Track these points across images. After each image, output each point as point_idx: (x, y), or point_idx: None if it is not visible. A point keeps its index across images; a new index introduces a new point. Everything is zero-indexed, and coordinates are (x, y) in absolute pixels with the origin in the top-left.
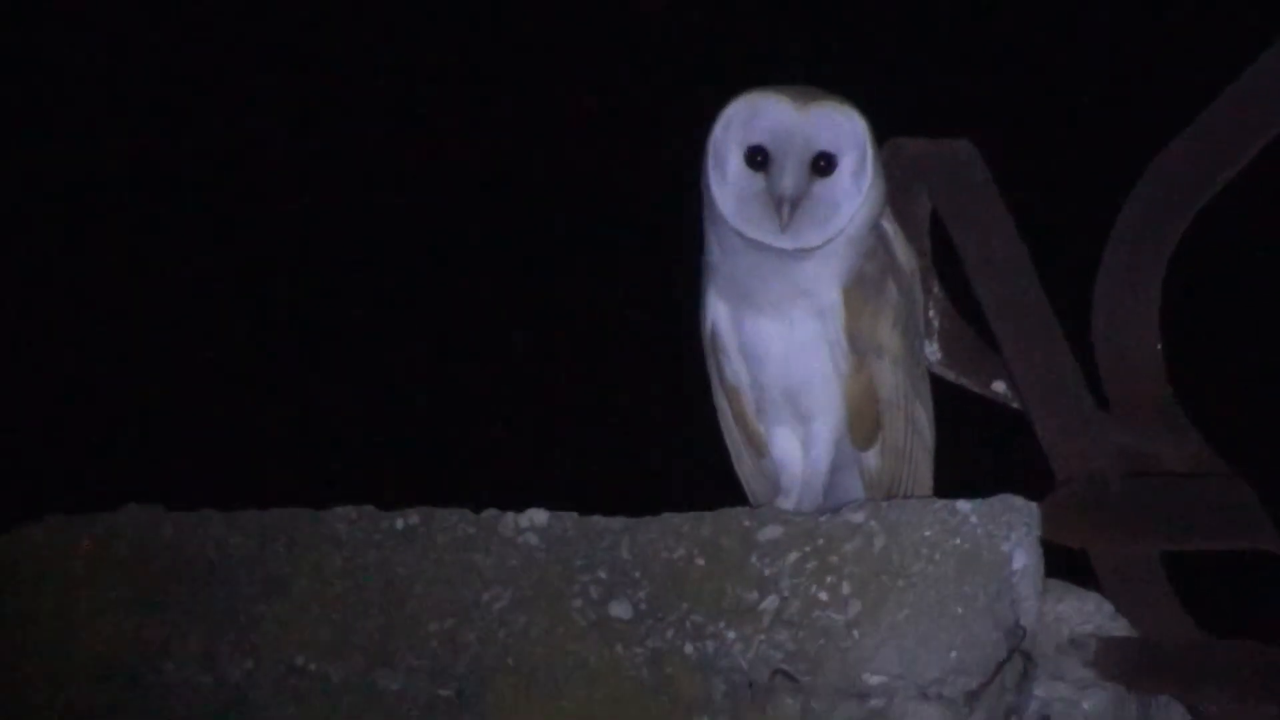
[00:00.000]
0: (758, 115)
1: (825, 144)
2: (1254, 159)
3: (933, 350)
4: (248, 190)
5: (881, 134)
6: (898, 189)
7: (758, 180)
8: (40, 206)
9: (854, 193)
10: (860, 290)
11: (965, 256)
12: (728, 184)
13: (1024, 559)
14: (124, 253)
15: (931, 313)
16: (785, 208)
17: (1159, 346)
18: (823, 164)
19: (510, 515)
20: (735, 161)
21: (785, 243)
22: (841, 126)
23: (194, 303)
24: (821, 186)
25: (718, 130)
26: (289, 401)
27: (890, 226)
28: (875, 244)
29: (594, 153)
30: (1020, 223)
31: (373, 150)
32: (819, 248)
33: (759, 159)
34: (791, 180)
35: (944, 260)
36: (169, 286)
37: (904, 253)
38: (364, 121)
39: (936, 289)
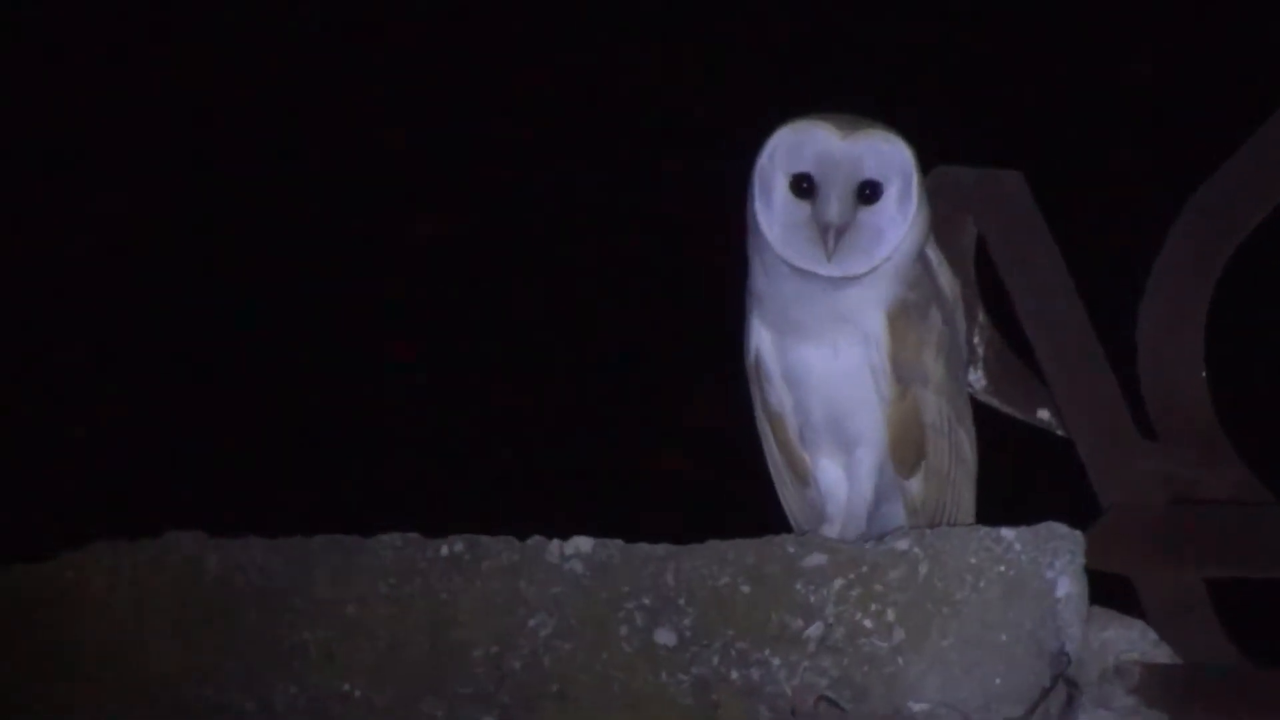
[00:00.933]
0: (803, 143)
1: (871, 172)
2: None
3: (978, 378)
4: (293, 224)
5: (928, 163)
6: (944, 218)
7: (803, 208)
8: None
9: (899, 221)
10: (904, 317)
11: (1011, 286)
12: (773, 212)
13: (1068, 586)
14: (160, 271)
15: (976, 341)
16: (831, 236)
17: (1204, 375)
18: (868, 192)
19: (555, 542)
20: (781, 189)
21: (831, 270)
22: (887, 155)
23: (238, 328)
24: (867, 214)
25: (763, 159)
26: (334, 427)
27: (934, 254)
28: (920, 272)
29: (641, 176)
30: (1066, 253)
31: (424, 183)
32: (864, 275)
33: (804, 186)
34: (837, 209)
35: (989, 289)
36: (215, 310)
37: (948, 280)
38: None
39: (982, 317)
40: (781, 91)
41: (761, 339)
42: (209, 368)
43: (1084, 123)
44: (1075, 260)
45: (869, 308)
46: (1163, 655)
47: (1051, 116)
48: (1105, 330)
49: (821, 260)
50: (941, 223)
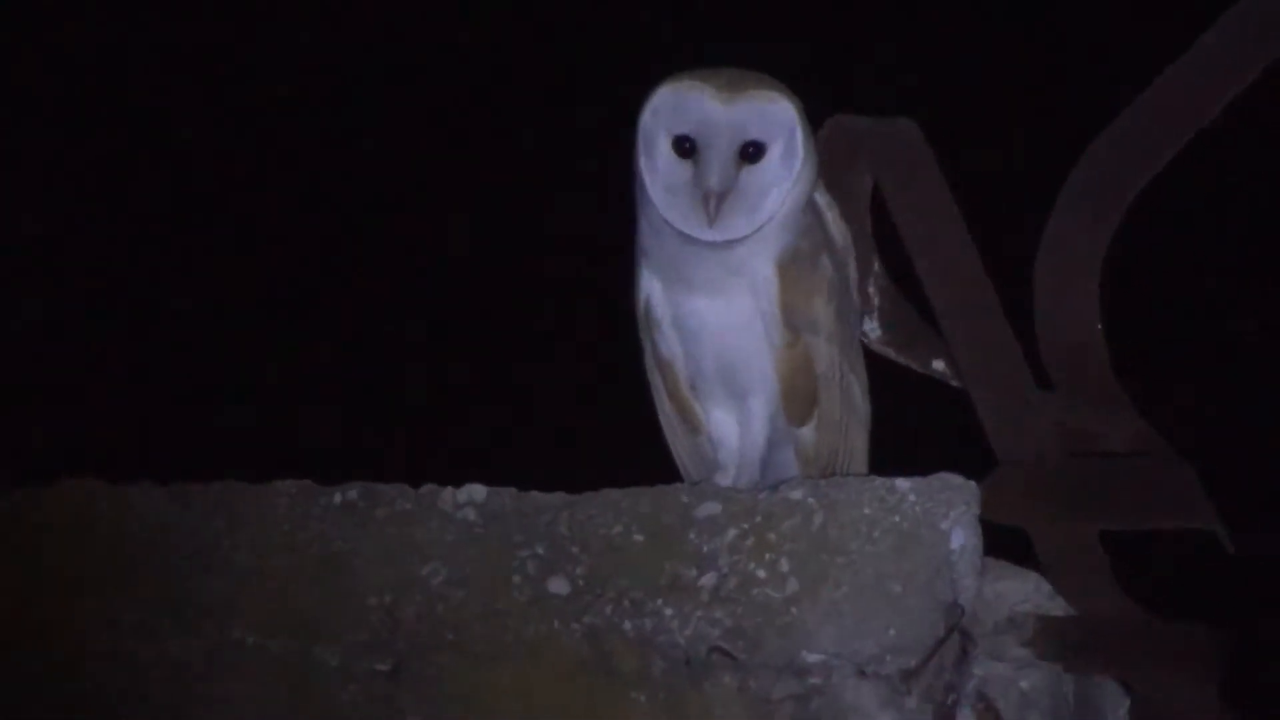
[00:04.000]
0: (685, 105)
1: (754, 133)
2: (1195, 139)
3: (873, 328)
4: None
5: (825, 109)
6: (840, 167)
7: (685, 169)
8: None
9: (783, 176)
10: (794, 266)
11: (906, 235)
12: (657, 171)
13: (963, 538)
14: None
15: (872, 290)
16: (712, 202)
17: (1100, 326)
18: (751, 150)
19: (449, 490)
20: (664, 149)
21: (713, 236)
22: (770, 114)
23: (139, 272)
24: (750, 174)
25: (646, 116)
26: (229, 376)
27: (824, 200)
28: (810, 220)
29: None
30: (962, 203)
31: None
32: (748, 237)
33: (686, 147)
34: (718, 175)
35: (885, 238)
36: (117, 255)
37: (838, 228)
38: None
39: (877, 267)
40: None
41: (651, 288)
42: (109, 319)
43: (980, 70)
44: (971, 209)
45: (758, 259)
46: (1057, 607)
47: (948, 63)
48: (1001, 280)
49: (703, 226)
50: (836, 171)
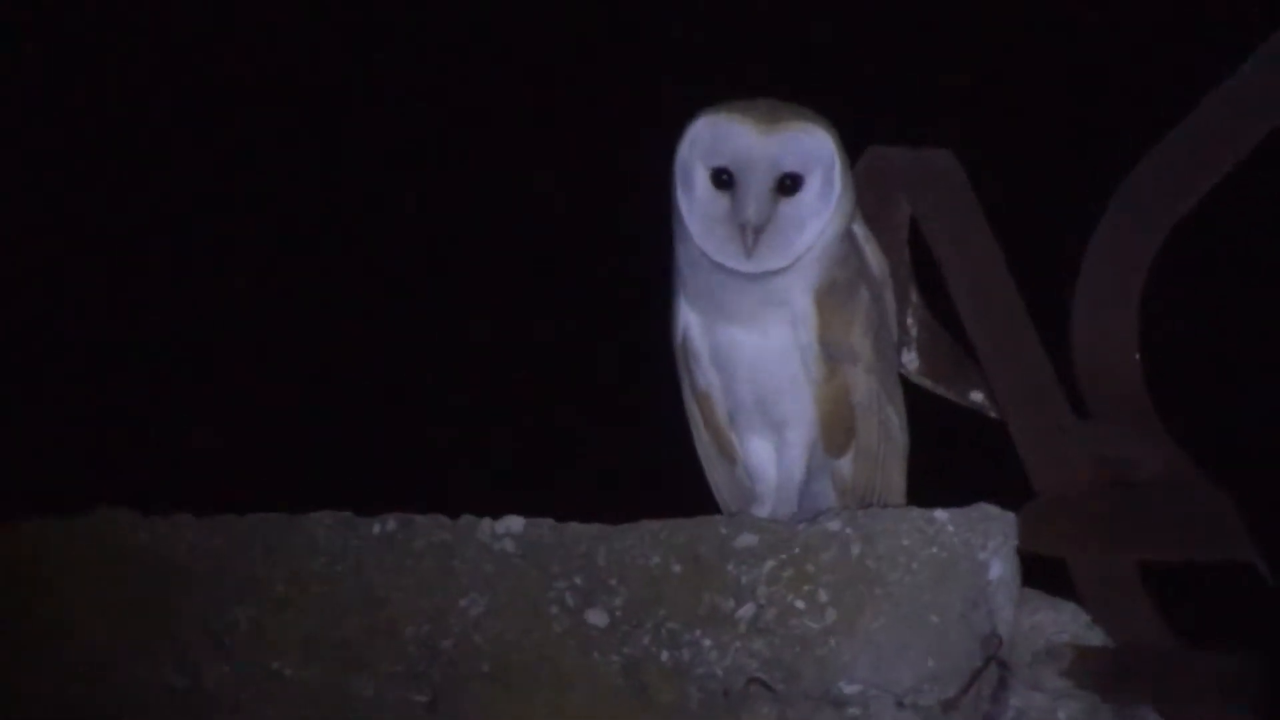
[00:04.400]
0: (722, 138)
1: (791, 166)
2: (1234, 170)
3: (911, 359)
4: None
5: (863, 138)
6: (877, 198)
7: (723, 201)
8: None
9: (820, 209)
10: (832, 297)
11: (944, 265)
12: (695, 202)
13: (1000, 568)
14: (85, 253)
15: (910, 321)
16: (749, 235)
17: (1137, 356)
18: (789, 183)
19: (487, 521)
20: (701, 180)
21: (750, 268)
22: (807, 146)
23: (171, 301)
24: (788, 205)
25: (683, 148)
26: (268, 405)
27: (861, 230)
28: (847, 250)
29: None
30: (999, 232)
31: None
32: (786, 268)
33: (724, 179)
34: (754, 208)
35: (923, 269)
36: (145, 290)
37: (876, 258)
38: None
39: (915, 298)
40: (718, 70)
41: (689, 320)
42: (144, 346)
43: (1020, 101)
44: (1009, 240)
45: (796, 290)
46: (1095, 637)
47: (987, 95)
48: (1039, 310)
49: (740, 258)
50: (875, 203)
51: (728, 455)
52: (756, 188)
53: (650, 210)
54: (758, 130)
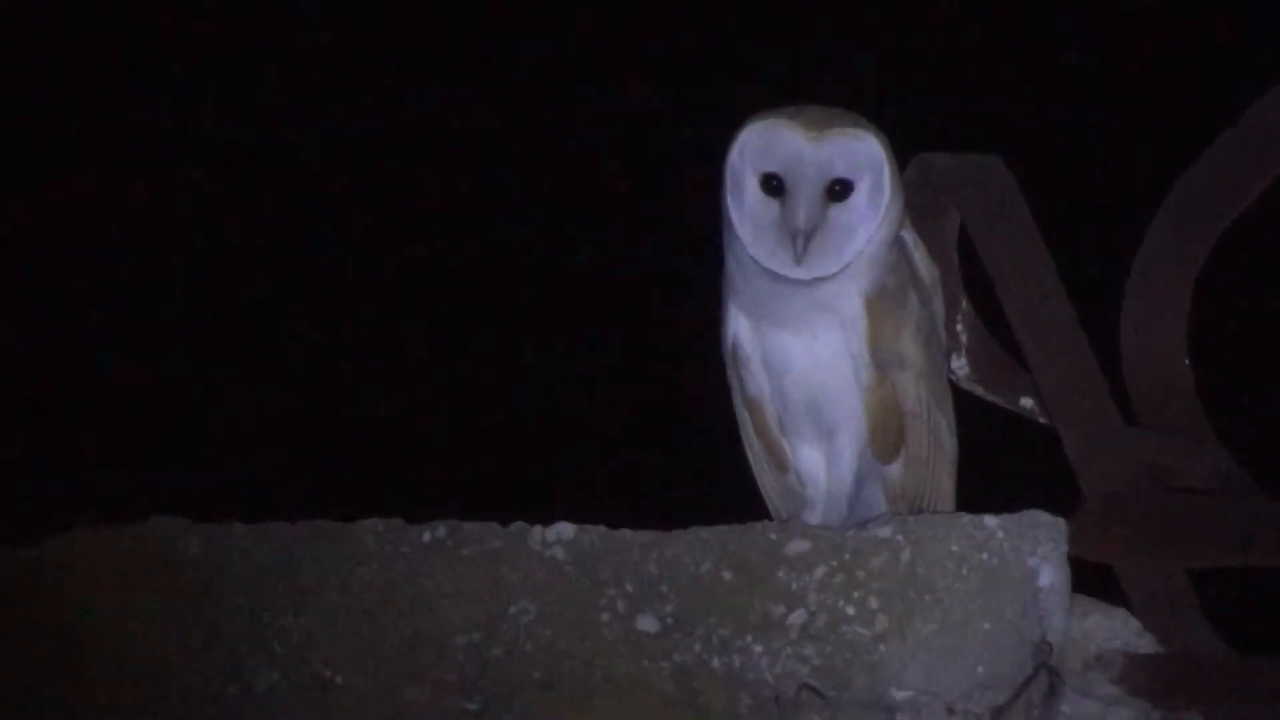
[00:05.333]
0: (772, 143)
1: (841, 171)
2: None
3: (960, 365)
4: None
5: (912, 147)
6: (926, 205)
7: (773, 207)
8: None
9: (870, 215)
10: (882, 303)
11: (993, 272)
12: (745, 208)
13: (1051, 575)
14: (143, 260)
15: (959, 328)
16: (799, 241)
17: (1188, 362)
18: (838, 189)
19: (537, 528)
20: (752, 187)
21: (800, 274)
22: (857, 151)
23: (222, 318)
24: (838, 211)
25: (733, 155)
26: (316, 413)
27: (910, 237)
28: (897, 256)
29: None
30: (1048, 238)
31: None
32: (836, 274)
33: (774, 185)
34: (805, 212)
35: (972, 276)
36: (198, 299)
37: (925, 265)
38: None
39: (965, 304)
40: (768, 74)
41: (739, 326)
42: (194, 355)
43: (1067, 106)
44: (1058, 245)
45: (846, 296)
46: (1145, 644)
47: (1035, 100)
48: (1088, 316)
49: (790, 264)
50: (924, 210)
51: (778, 461)
52: (807, 193)
53: (699, 216)
54: (808, 136)
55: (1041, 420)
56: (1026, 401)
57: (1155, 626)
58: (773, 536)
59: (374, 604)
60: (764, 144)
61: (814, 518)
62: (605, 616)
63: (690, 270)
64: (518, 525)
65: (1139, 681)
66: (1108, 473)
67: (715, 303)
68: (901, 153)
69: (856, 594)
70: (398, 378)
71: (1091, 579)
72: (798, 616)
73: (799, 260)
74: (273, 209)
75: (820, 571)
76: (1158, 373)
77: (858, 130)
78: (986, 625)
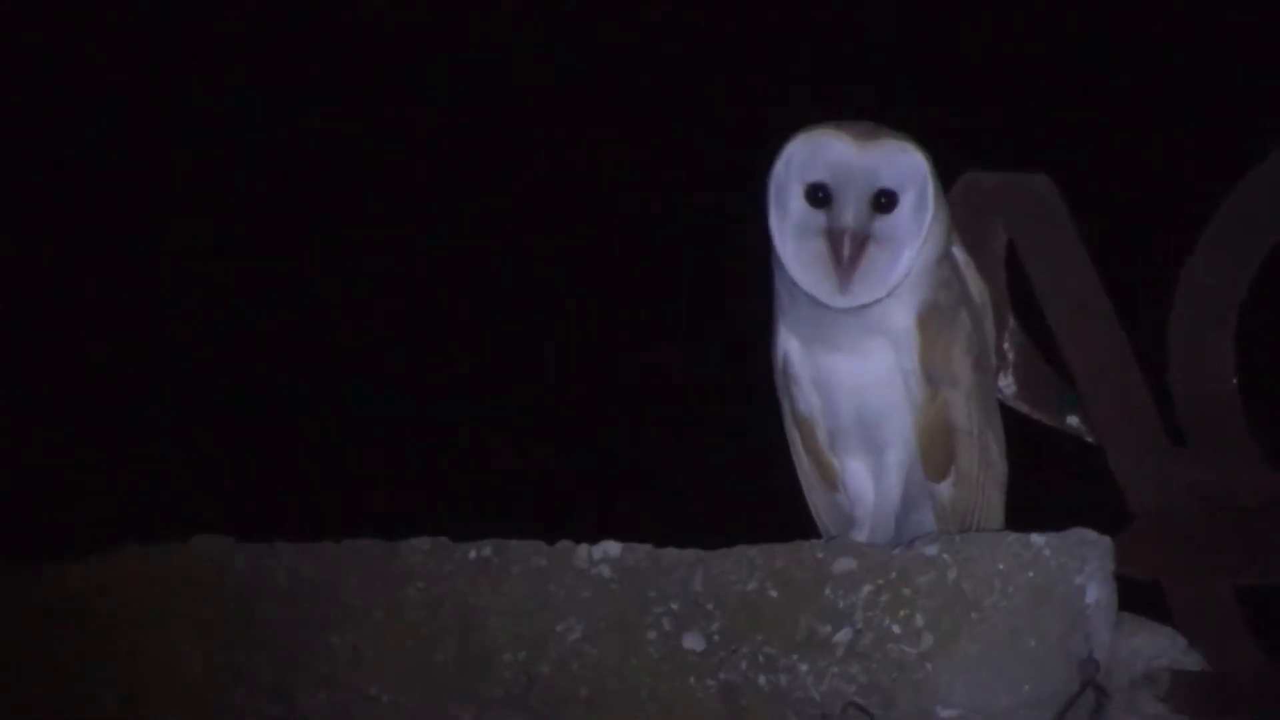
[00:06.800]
0: (818, 152)
1: (886, 181)
2: None
3: (1008, 383)
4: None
5: (956, 169)
6: (974, 223)
7: (818, 217)
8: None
9: (914, 231)
10: (934, 320)
11: (1040, 291)
12: (788, 223)
13: (1097, 592)
14: (183, 274)
15: (1007, 346)
16: (847, 242)
17: (1235, 380)
18: (884, 200)
19: (584, 547)
20: (797, 198)
21: (844, 303)
22: (903, 163)
23: (267, 336)
24: (882, 224)
25: (779, 168)
26: (362, 433)
27: (961, 255)
28: (948, 273)
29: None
30: (1095, 257)
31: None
32: (882, 300)
33: (820, 195)
34: (853, 214)
35: (1019, 294)
36: (246, 317)
37: (976, 283)
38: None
39: (1012, 323)
40: (806, 96)
41: (789, 345)
42: (239, 373)
43: (1114, 125)
44: (1105, 264)
45: (897, 316)
46: (1192, 662)
47: (1081, 119)
48: (1135, 335)
49: (834, 293)
50: (971, 228)
51: (828, 480)
52: (853, 200)
53: (749, 237)
54: (855, 144)
55: (1088, 438)
56: (1074, 420)
57: (1202, 644)
58: (819, 555)
59: (420, 622)
60: (810, 153)
61: (862, 536)
62: (651, 634)
63: (742, 288)
64: (564, 544)
65: (1185, 699)
66: (1154, 491)
67: (765, 320)
68: (947, 175)
69: (903, 612)
70: (445, 398)
71: (1138, 597)
72: (844, 634)
73: (843, 287)
74: (319, 240)
75: (867, 590)
76: (1205, 391)
77: (903, 143)
78: (1033, 643)
